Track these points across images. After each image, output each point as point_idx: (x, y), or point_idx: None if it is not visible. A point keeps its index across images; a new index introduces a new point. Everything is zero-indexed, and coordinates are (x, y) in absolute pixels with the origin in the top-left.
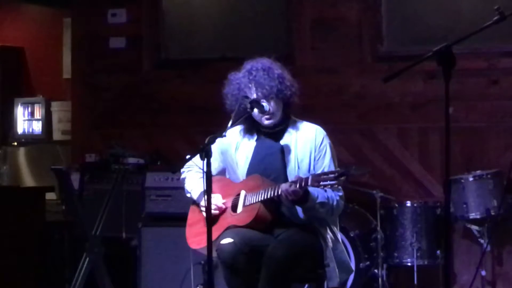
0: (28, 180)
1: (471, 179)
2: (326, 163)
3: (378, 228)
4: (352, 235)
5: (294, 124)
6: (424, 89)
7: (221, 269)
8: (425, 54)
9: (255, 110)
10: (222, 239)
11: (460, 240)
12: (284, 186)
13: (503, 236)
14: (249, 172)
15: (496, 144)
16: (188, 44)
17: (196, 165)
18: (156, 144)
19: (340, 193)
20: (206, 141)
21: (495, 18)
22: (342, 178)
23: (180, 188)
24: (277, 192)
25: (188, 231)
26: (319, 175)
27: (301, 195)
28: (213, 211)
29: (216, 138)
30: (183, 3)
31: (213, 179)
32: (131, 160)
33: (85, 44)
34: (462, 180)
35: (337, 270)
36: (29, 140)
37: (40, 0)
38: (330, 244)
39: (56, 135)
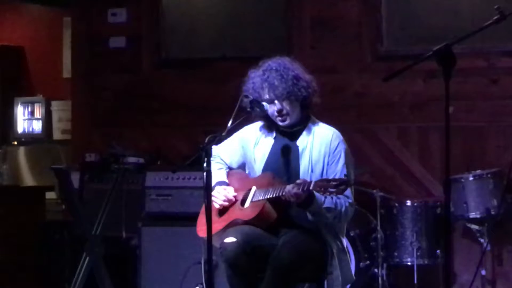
0: (28, 179)
1: (471, 178)
2: (338, 169)
3: (378, 228)
4: (352, 234)
5: (312, 125)
6: (424, 89)
7: (224, 268)
8: (425, 53)
9: (256, 110)
10: (225, 237)
11: (460, 239)
12: (288, 187)
13: (503, 236)
14: (264, 170)
15: (496, 143)
16: (188, 43)
17: (219, 156)
18: (156, 144)
19: (350, 200)
20: (206, 141)
21: (495, 17)
22: (342, 187)
23: (180, 187)
24: (282, 192)
25: (200, 219)
26: (321, 181)
27: (304, 199)
28: (222, 202)
29: (216, 137)
30: (183, 3)
31: (232, 172)
32: (131, 159)
33: (85, 43)
34: (462, 180)
35: (340, 278)
36: (29, 139)
37: None
38: (336, 251)
39: (56, 135)
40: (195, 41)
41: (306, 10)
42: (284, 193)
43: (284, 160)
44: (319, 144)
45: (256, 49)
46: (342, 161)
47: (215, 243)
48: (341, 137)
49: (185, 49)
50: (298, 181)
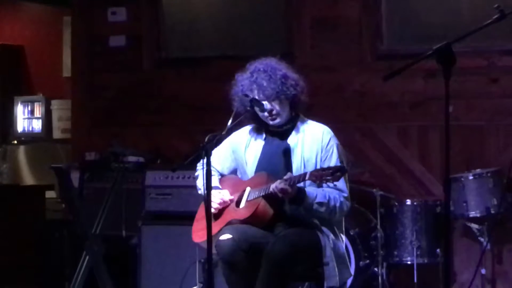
0: (28, 178)
1: (471, 177)
2: (333, 164)
3: (378, 227)
4: (352, 233)
5: (301, 124)
6: (424, 88)
7: (220, 265)
8: (425, 52)
9: (256, 109)
10: (221, 235)
11: (460, 238)
12: (274, 183)
13: (503, 235)
14: (257, 171)
15: (496, 142)
16: (188, 42)
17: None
18: (156, 143)
19: (345, 194)
20: (206, 140)
21: (495, 16)
22: (338, 173)
23: (180, 186)
24: (269, 190)
25: (195, 226)
26: (316, 171)
27: (296, 195)
28: (218, 206)
29: (216, 137)
30: (183, 2)
31: (225, 178)
32: (131, 158)
33: (85, 42)
34: (462, 179)
35: (336, 270)
36: (29, 138)
37: None
38: (331, 243)
39: (56, 134)
40: (195, 40)
41: (307, 9)
42: (271, 190)
43: (276, 160)
44: (310, 141)
45: (256, 49)
46: (335, 155)
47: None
48: (332, 133)
49: (184, 48)
50: (285, 177)
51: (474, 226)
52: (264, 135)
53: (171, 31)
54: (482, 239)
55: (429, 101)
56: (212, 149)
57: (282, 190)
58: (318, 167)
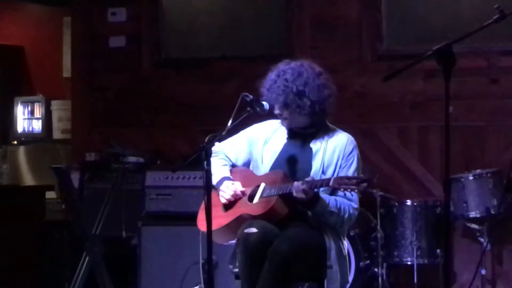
0: (28, 179)
1: (471, 178)
2: (350, 174)
3: (378, 227)
4: (352, 234)
5: (326, 130)
6: (424, 88)
7: (240, 257)
8: (425, 53)
9: (257, 109)
10: (246, 227)
11: (460, 239)
12: (296, 183)
13: (503, 235)
14: (273, 169)
15: (496, 143)
16: (188, 43)
17: (223, 153)
18: (156, 143)
19: (355, 205)
20: (206, 140)
21: (495, 17)
22: (364, 184)
23: (179, 187)
24: (290, 189)
25: (201, 214)
26: (341, 178)
27: (311, 198)
28: (230, 198)
29: (216, 137)
30: (183, 2)
31: (236, 169)
32: (131, 159)
33: (85, 43)
34: (462, 179)
35: (339, 274)
36: (29, 139)
37: None
38: (336, 247)
39: (56, 134)
40: (195, 40)
41: (306, 9)
42: (291, 190)
43: (295, 161)
44: (333, 148)
45: (256, 49)
46: (354, 166)
47: (218, 238)
48: (355, 143)
49: (184, 49)
50: (307, 179)
51: (474, 226)
52: (287, 134)
53: (171, 32)
54: (482, 240)
55: (429, 101)
56: (217, 144)
57: (304, 192)
58: (336, 174)
